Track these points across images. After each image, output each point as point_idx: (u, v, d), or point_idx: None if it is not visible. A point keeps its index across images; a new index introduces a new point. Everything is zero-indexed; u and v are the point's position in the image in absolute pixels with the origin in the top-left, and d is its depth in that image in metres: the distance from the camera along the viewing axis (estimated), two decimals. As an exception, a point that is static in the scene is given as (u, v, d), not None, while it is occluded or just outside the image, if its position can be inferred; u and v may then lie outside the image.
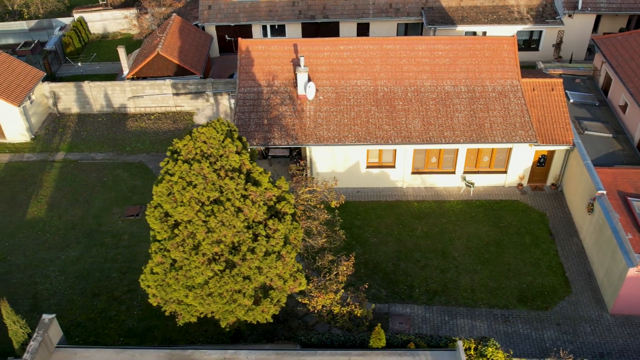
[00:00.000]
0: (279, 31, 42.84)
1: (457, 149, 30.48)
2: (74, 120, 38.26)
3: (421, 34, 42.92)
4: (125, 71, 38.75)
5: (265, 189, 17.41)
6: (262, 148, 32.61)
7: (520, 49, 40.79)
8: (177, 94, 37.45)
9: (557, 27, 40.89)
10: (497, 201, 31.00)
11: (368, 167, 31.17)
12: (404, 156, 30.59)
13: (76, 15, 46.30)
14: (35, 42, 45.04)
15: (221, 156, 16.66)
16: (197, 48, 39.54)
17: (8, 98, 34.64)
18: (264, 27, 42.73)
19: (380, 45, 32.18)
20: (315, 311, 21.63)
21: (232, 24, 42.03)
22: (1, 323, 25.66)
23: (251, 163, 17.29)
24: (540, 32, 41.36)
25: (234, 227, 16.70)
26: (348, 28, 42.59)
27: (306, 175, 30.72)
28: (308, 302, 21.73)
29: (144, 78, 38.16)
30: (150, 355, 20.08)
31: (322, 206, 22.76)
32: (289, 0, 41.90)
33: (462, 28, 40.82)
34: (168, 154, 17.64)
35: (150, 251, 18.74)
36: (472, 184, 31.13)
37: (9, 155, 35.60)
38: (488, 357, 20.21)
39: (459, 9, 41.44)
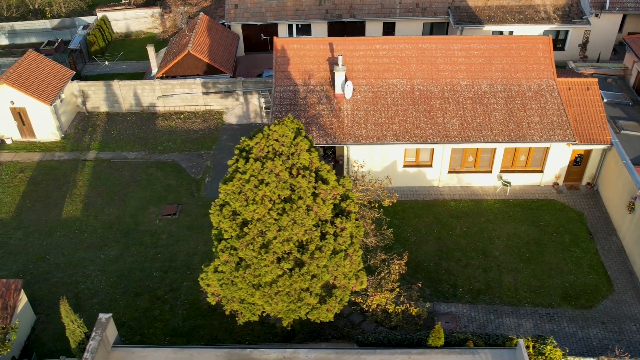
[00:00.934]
0: (304, 30, 42.80)
1: (495, 148, 30.49)
2: (103, 119, 38.14)
3: (446, 34, 42.97)
4: (154, 70, 38.65)
5: (333, 187, 17.38)
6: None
7: (546, 49, 40.81)
8: (206, 93, 37.36)
9: (583, 27, 40.95)
10: (534, 200, 31.03)
11: (405, 166, 31.16)
12: (441, 155, 30.59)
13: (99, 14, 46.16)
14: (59, 40, 44.91)
15: (292, 154, 16.62)
16: (226, 47, 39.48)
17: (39, 97, 34.50)
18: (290, 27, 42.68)
19: (415, 45, 32.17)
20: (370, 310, 21.60)
21: (259, 23, 41.98)
22: (52, 322, 25.66)
23: (320, 162, 17.28)
24: (567, 31, 41.42)
25: (305, 225, 16.66)
26: (374, 27, 42.58)
27: (347, 173, 30.72)
28: (362, 301, 21.70)
29: (173, 77, 38.08)
30: (208, 355, 20.03)
31: (376, 204, 22.73)
32: (316, -1, 41.94)
33: (489, 27, 40.84)
34: (236, 152, 17.57)
35: (215, 249, 18.65)
36: (509, 183, 31.15)
37: (40, 154, 35.46)
38: (546, 355, 20.22)
39: (485, 9, 41.47)
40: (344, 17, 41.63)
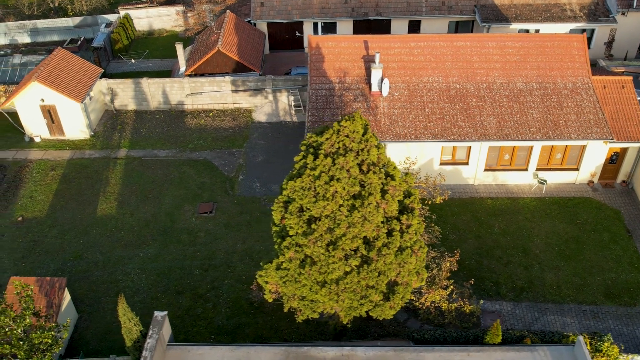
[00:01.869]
0: (329, 28, 42.71)
1: (532, 146, 30.44)
2: (131, 117, 37.97)
3: (471, 32, 42.91)
4: (182, 68, 38.50)
5: (398, 183, 17.31)
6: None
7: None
8: (236, 91, 37.24)
9: (609, 25, 40.95)
10: (570, 198, 30.99)
11: (441, 164, 31.09)
12: (478, 153, 30.53)
13: (122, 12, 45.97)
14: (81, 39, 44.73)
15: (362, 150, 16.53)
16: (253, 45, 39.36)
17: (70, 94, 34.33)
18: (315, 25, 42.58)
19: (450, 42, 32.12)
20: (423, 308, 21.52)
21: (285, 21, 41.87)
22: (94, 321, 25.48)
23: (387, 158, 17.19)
24: (593, 30, 41.42)
25: (374, 222, 16.57)
26: (399, 25, 42.51)
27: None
28: (414, 299, 21.63)
29: (202, 75, 37.93)
30: (266, 353, 19.92)
31: (429, 201, 22.66)
32: (341, -3, 41.84)
33: (515, 26, 40.81)
34: (303, 148, 17.47)
35: (277, 246, 18.53)
36: (545, 181, 31.12)
37: (70, 152, 35.30)
38: (603, 352, 20.18)
39: (511, 7, 41.44)
40: (370, 15, 41.55)
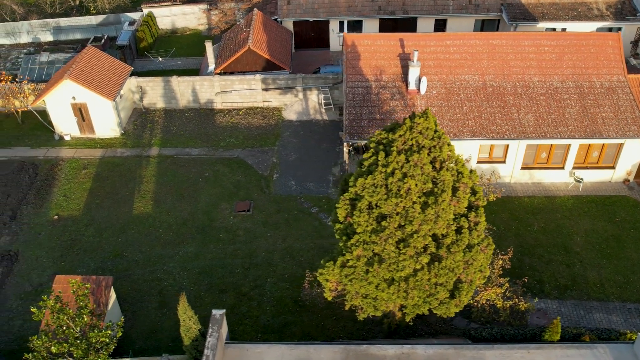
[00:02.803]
0: (355, 27, 42.64)
1: (569, 145, 30.43)
2: (161, 115, 37.84)
3: (497, 31, 42.88)
4: (212, 66, 38.37)
5: (467, 181, 17.27)
6: (362, 143, 32.26)
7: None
8: (266, 89, 37.14)
9: (636, 24, 40.98)
10: (607, 196, 31.00)
11: (478, 162, 31.06)
12: (515, 151, 30.51)
13: (145, 10, 45.79)
14: (105, 37, 44.58)
15: (434, 147, 16.49)
16: (282, 43, 39.27)
17: (102, 92, 34.18)
18: (341, 23, 42.50)
19: (486, 41, 32.10)
20: (478, 306, 21.48)
21: (311, 19, 41.79)
22: (138, 320, 25.29)
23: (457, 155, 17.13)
24: (619, 28, 41.45)
25: (446, 219, 16.53)
26: (426, 24, 42.48)
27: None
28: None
29: (231, 73, 37.83)
30: (325, 351, 19.83)
31: (486, 199, 22.58)
32: (367, -5, 41.77)
33: (542, 25, 40.80)
34: (372, 145, 17.41)
35: (342, 244, 18.43)
36: (582, 179, 31.12)
37: (101, 150, 35.15)
38: (661, 350, 20.12)
39: (538, 6, 41.44)
40: (397, 13, 41.50)
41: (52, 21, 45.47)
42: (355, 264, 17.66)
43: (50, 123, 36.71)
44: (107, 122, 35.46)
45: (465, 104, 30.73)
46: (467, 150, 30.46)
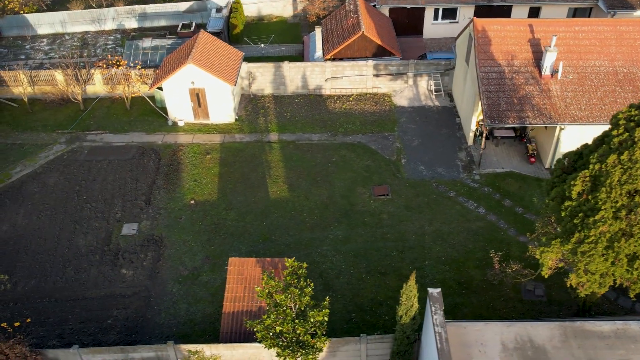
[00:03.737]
0: (448, 14, 42.76)
1: (702, 129, 30.87)
2: (270, 101, 37.71)
3: (589, 17, 43.18)
4: (319, 52, 38.30)
5: None
6: (487, 128, 32.44)
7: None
8: (377, 75, 37.18)
9: None
10: None
11: (611, 146, 31.40)
12: (649, 136, 30.88)
13: (228, -3, 45.55)
14: (193, 24, 44.27)
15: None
16: (387, 29, 39.29)
17: (224, 77, 33.99)
18: (436, 10, 42.59)
19: (614, 27, 32.36)
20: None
21: (409, 6, 41.82)
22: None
23: None
24: None
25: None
26: (520, 12, 42.65)
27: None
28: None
29: (340, 59, 37.79)
30: (542, 327, 20.10)
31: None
32: (465, -18, 41.90)
33: None
34: (622, 122, 17.63)
35: (579, 222, 18.56)
36: None
37: (219, 136, 35.01)
38: None
39: (634, -6, 41.80)
40: (493, 1, 41.65)
41: (138, 8, 45.01)
42: (597, 240, 17.89)
43: (162, 109, 36.47)
44: (223, 108, 35.30)
45: (599, 89, 31.03)
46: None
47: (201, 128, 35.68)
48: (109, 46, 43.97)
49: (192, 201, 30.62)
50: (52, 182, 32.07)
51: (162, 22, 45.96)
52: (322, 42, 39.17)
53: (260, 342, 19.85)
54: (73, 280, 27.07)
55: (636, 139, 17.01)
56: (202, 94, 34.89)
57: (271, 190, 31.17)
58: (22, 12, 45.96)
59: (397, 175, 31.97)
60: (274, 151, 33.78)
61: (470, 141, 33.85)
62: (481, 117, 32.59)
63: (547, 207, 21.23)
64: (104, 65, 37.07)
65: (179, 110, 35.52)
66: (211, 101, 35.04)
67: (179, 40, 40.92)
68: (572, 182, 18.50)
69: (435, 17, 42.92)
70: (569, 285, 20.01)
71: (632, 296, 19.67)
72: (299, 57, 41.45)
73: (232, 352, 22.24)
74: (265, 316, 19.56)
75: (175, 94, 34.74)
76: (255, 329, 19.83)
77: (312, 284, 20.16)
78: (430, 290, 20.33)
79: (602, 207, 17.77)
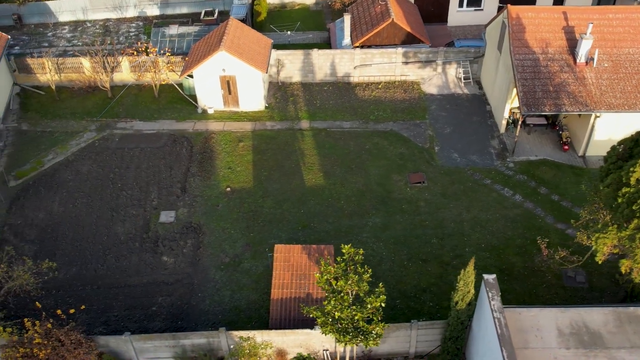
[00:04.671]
0: (474, 2, 42.63)
1: None
2: (299, 88, 37.60)
3: (614, 5, 43.14)
4: (347, 39, 38.17)
5: None
6: (523, 116, 32.33)
7: None
8: (405, 63, 37.10)
9: None
10: None
11: (645, 134, 31.49)
12: (685, 123, 31.00)
13: (254, -16, 45.21)
14: (216, 11, 43.99)
15: None
16: (415, 17, 39.16)
17: (255, 64, 33.86)
18: (460, -3, 42.54)
19: (648, 14, 32.40)
20: None
21: (435, -7, 41.76)
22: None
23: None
24: None
25: None
26: (545, -1, 42.65)
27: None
28: None
29: (369, 47, 37.68)
30: (596, 313, 20.30)
31: None
32: (488, -31, 41.74)
33: (664, 0, 41.15)
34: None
35: (625, 210, 18.75)
36: None
37: (250, 123, 34.94)
38: None
39: (659, -19, 41.72)
40: (519, -12, 41.55)
41: (160, -5, 44.76)
42: (658, 227, 18.04)
43: (190, 96, 36.35)
44: (254, 95, 35.20)
45: (634, 77, 31.05)
46: (638, 124, 30.86)
47: (231, 116, 35.59)
48: (131, 33, 43.71)
49: (228, 189, 30.64)
50: (85, 169, 32.01)
51: (184, 10, 45.68)
52: (351, 30, 39.01)
53: (320, 327, 19.96)
54: (114, 267, 27.12)
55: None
56: (233, 82, 34.77)
57: (306, 177, 31.19)
58: (42, -1, 45.56)
59: (432, 162, 32.02)
60: (306, 139, 33.75)
61: (502, 129, 33.90)
62: (515, 104, 32.66)
63: (596, 194, 21.37)
64: (135, 53, 36.85)
65: (209, 98, 35.41)
66: (242, 88, 34.93)
67: (205, 27, 40.66)
68: (631, 169, 18.58)
69: (460, 5, 42.79)
70: (622, 271, 20.16)
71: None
72: (325, 44, 41.30)
73: (283, 338, 22.38)
74: (326, 302, 19.66)
75: (206, 81, 34.62)
76: (313, 315, 19.94)
77: (370, 270, 20.24)
78: (485, 276, 20.46)
79: (663, 194, 17.88)
